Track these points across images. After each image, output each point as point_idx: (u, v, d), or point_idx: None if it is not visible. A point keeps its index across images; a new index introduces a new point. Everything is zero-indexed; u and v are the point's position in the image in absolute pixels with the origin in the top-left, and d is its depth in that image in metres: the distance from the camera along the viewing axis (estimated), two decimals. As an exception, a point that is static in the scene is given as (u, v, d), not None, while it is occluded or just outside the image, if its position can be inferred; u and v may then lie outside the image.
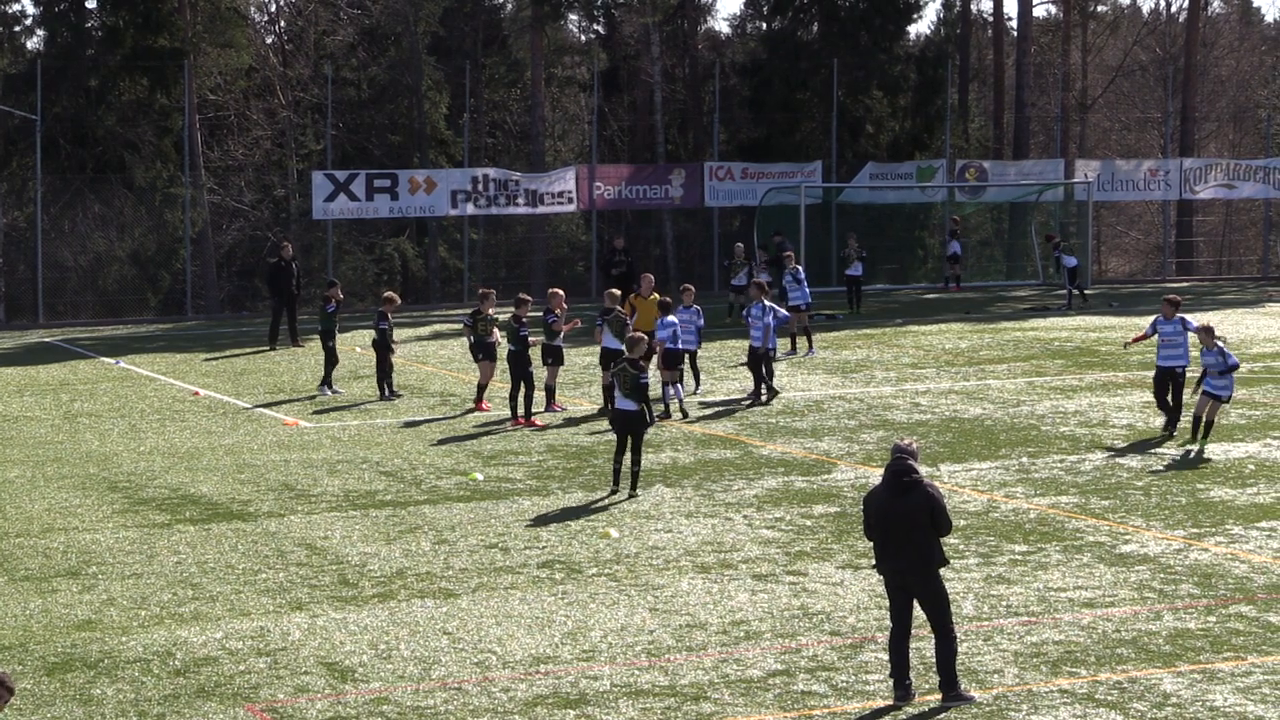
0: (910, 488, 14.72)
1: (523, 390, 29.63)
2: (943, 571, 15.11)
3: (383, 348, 32.41)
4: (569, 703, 14.93)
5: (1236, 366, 26.66)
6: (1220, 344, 26.67)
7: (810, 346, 38.34)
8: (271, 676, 15.71)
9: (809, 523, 21.81)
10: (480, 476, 24.91)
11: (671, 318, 30.39)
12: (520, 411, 29.61)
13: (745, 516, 22.17)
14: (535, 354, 30.19)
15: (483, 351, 30.94)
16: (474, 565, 19.76)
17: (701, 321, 32.23)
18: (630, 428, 23.56)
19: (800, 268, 38.73)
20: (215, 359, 39.43)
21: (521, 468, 25.65)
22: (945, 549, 20.13)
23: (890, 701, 14.87)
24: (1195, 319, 28.70)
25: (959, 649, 15.13)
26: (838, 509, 22.56)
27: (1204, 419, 26.44)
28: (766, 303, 31.65)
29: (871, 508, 14.98)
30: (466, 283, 54.70)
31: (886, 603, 17.69)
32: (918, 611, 15.03)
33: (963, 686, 14.88)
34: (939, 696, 14.87)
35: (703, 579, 19.04)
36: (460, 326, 31.15)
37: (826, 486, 24.08)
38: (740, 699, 15.00)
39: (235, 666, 16.00)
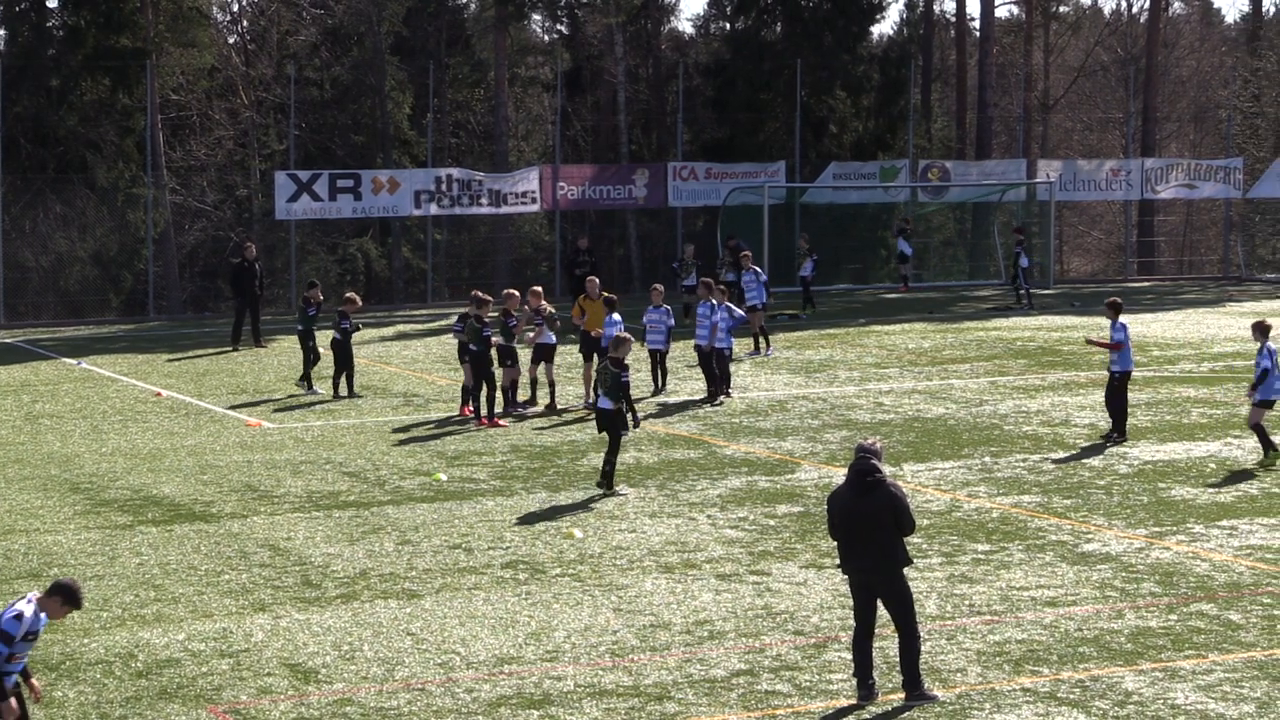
0: (873, 487, 14.73)
1: (485, 390, 29.61)
2: (906, 571, 15.15)
3: (342, 349, 32.38)
4: (533, 703, 14.93)
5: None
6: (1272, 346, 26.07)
7: (768, 345, 38.32)
8: (234, 678, 15.67)
9: (772, 522, 21.84)
10: (444, 477, 24.88)
11: (616, 315, 30.52)
12: (484, 412, 29.58)
13: (709, 516, 22.19)
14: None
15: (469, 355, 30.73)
16: (438, 566, 19.74)
17: (671, 321, 32.30)
18: (606, 426, 23.59)
19: (758, 269, 38.69)
20: (178, 360, 39.30)
21: (485, 468, 25.63)
22: (908, 548, 20.19)
23: (854, 701, 14.90)
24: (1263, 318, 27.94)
25: (922, 648, 15.16)
26: (801, 509, 22.59)
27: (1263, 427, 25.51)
28: (714, 301, 31.69)
29: (835, 507, 14.99)
30: (430, 283, 54.64)
31: (850, 602, 17.71)
32: (881, 611, 15.06)
33: (926, 685, 14.92)
34: (903, 696, 14.91)
35: (666, 579, 19.05)
36: (453, 325, 31.06)
37: (790, 486, 24.12)
38: (704, 699, 15.01)
39: (198, 668, 15.96)
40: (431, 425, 29.58)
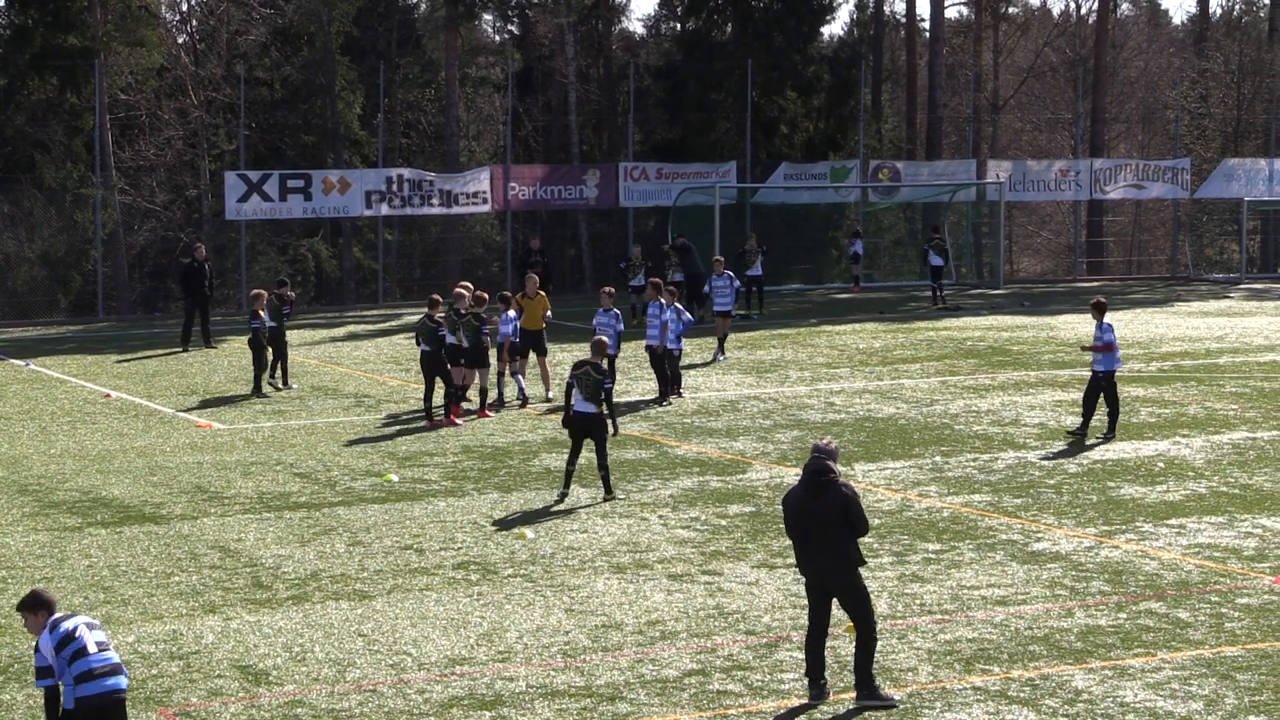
0: (826, 487, 14.74)
1: (440, 389, 29.65)
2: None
3: (257, 345, 32.74)
4: (484, 704, 14.92)
5: None
6: None
7: (723, 353, 37.94)
8: (184, 680, 15.61)
9: (724, 522, 21.87)
10: (395, 478, 24.84)
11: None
12: (438, 412, 29.58)
13: (661, 516, 22.21)
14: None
15: (462, 355, 30.53)
16: (389, 567, 19.70)
17: (620, 326, 32.00)
18: (589, 431, 23.20)
19: (731, 273, 38.41)
20: (127, 361, 39.12)
21: (437, 469, 25.59)
22: (860, 547, 20.25)
23: (805, 700, 14.94)
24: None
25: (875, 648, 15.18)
26: (753, 509, 22.63)
27: None
28: (663, 301, 31.70)
29: (789, 508, 15.01)
30: (381, 284, 54.52)
31: (802, 602, 17.76)
32: (836, 611, 15.08)
33: (878, 685, 14.91)
34: (853, 695, 14.93)
35: (618, 579, 19.06)
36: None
37: (742, 486, 24.16)
38: (656, 699, 15.03)
39: (148, 670, 15.89)
40: (383, 426, 29.52)
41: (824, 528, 14.74)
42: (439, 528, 21.67)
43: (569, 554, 20.25)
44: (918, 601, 18.00)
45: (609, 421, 23.47)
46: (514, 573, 19.37)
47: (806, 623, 15.16)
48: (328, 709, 14.82)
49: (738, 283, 38.61)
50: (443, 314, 30.02)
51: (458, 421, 29.32)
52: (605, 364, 23.90)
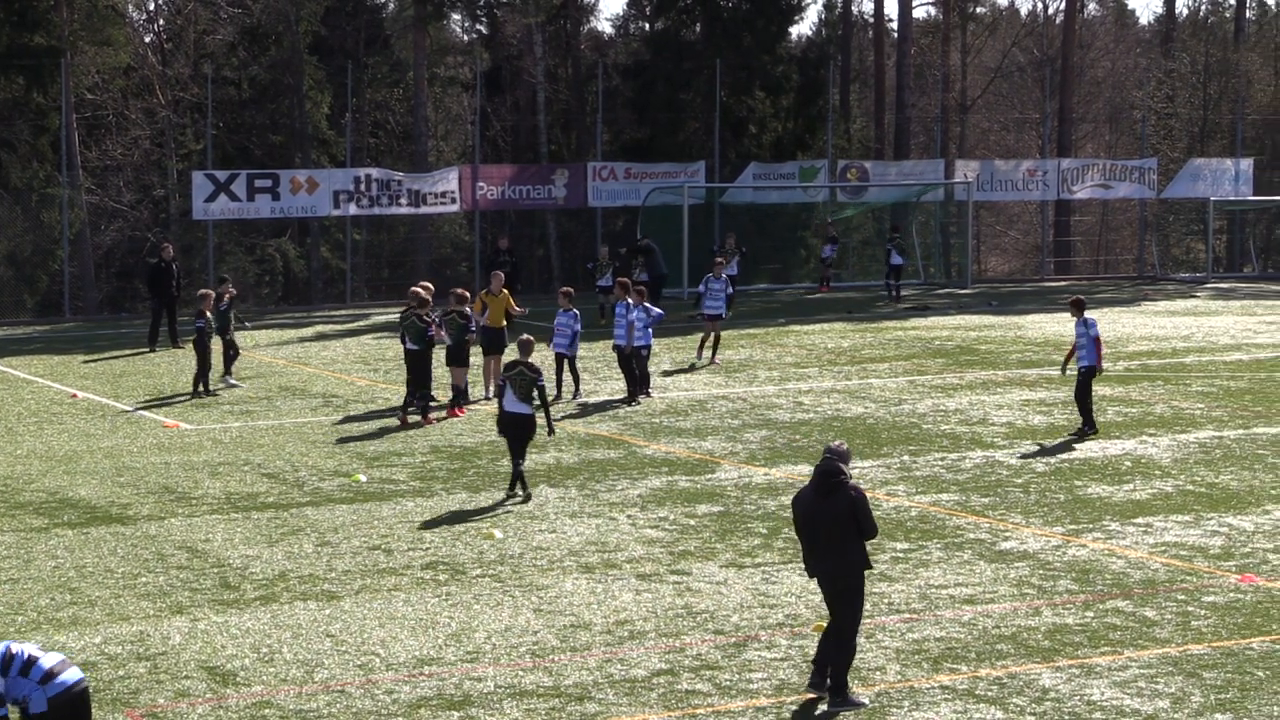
0: (836, 489, 14.67)
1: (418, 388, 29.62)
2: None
3: (202, 347, 32.83)
4: (453, 704, 14.90)
5: None
6: None
7: (701, 355, 37.32)
8: (151, 681, 15.57)
9: (693, 522, 21.88)
10: (364, 478, 24.80)
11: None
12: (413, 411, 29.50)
13: (629, 516, 22.21)
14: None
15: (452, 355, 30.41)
16: (357, 567, 19.67)
17: (579, 326, 31.73)
18: (520, 431, 23.32)
19: (726, 277, 37.70)
20: (94, 361, 38.98)
21: (405, 469, 25.56)
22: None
23: (774, 699, 14.94)
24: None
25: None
26: (721, 508, 22.64)
27: None
28: (630, 301, 31.66)
29: (799, 508, 14.95)
30: (349, 283, 54.43)
31: (771, 601, 17.82)
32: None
33: (851, 690, 14.84)
34: (810, 695, 14.95)
35: (587, 579, 19.06)
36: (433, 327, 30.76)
37: (710, 486, 24.17)
38: (624, 699, 15.03)
39: (114, 671, 15.84)
40: (346, 424, 29.46)
41: (832, 529, 14.68)
42: (407, 528, 21.65)
43: (537, 554, 20.24)
44: (886, 600, 18.03)
45: (544, 422, 23.48)
46: (482, 573, 19.36)
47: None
48: (295, 710, 14.79)
49: (730, 289, 37.82)
50: (439, 313, 30.10)
51: (432, 420, 29.30)
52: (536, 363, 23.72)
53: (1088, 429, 27.67)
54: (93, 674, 15.76)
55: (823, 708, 14.73)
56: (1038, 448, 26.86)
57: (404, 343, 29.76)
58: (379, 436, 28.43)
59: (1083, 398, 27.80)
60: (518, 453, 23.45)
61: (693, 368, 36.48)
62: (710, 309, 36.58)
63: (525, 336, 24.32)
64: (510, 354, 27.91)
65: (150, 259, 46.80)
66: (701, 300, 36.95)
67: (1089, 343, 27.92)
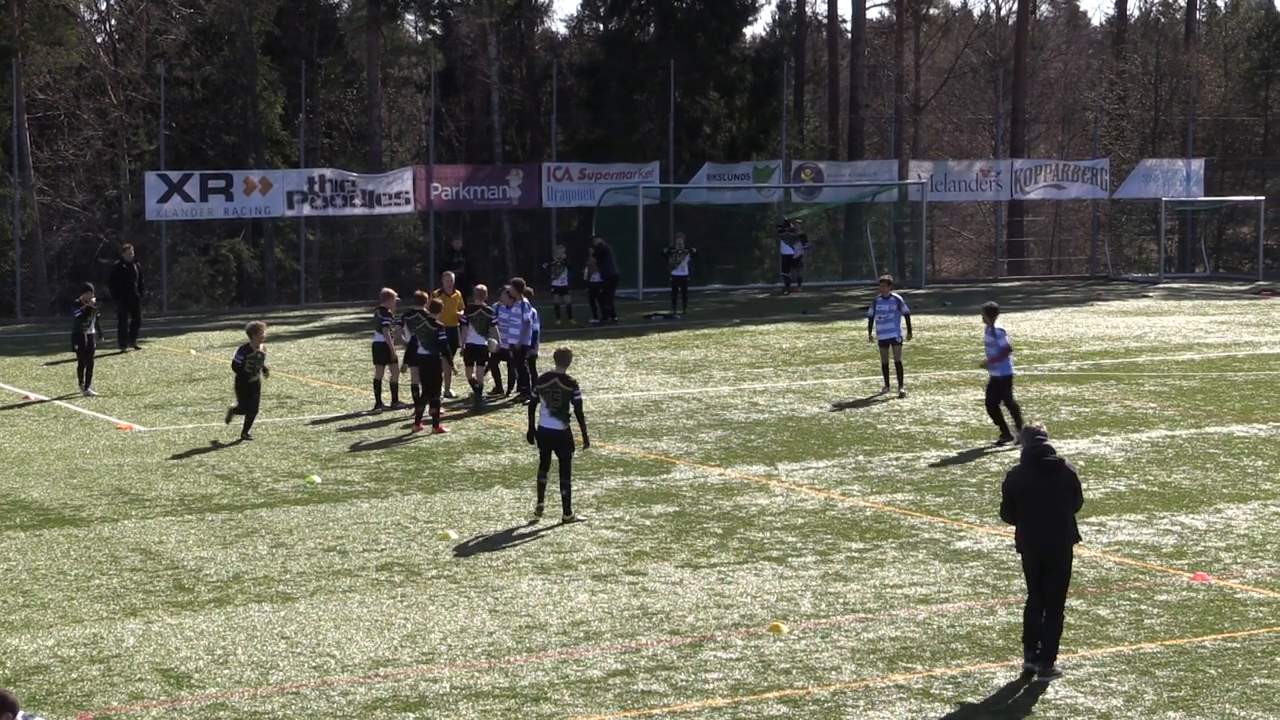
0: (1056, 467, 15.66)
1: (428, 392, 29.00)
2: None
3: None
4: (408, 705, 14.88)
5: None
6: None
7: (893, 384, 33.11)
8: (105, 684, 15.50)
9: (648, 522, 21.89)
10: (318, 479, 24.73)
11: (528, 302, 31.14)
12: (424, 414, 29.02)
13: (584, 517, 22.20)
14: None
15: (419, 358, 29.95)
16: (312, 568, 19.62)
17: (528, 316, 31.52)
18: (556, 448, 22.18)
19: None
20: (46, 363, 38.77)
21: (360, 470, 25.50)
22: (785, 546, 20.35)
23: (729, 699, 14.96)
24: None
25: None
26: (676, 508, 22.66)
27: None
28: (525, 301, 31.54)
29: (1016, 488, 15.74)
30: (304, 284, 54.27)
31: (726, 602, 17.85)
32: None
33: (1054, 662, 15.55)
34: (777, 694, 14.99)
35: (542, 580, 19.05)
36: (395, 329, 30.35)
37: (665, 486, 24.19)
38: (580, 699, 15.03)
39: (67, 674, 15.77)
40: (304, 426, 29.40)
41: (1053, 504, 15.60)
42: (362, 529, 21.60)
43: (493, 555, 20.22)
44: (841, 600, 18.08)
45: (580, 435, 22.52)
46: (438, 574, 19.33)
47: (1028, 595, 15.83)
48: (250, 712, 14.75)
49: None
50: (403, 313, 29.76)
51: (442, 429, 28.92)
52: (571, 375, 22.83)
53: (1005, 440, 27.17)
54: (45, 677, 15.69)
55: (773, 701, 14.77)
56: (992, 448, 26.94)
57: (414, 348, 28.91)
58: (333, 437, 28.35)
59: (994, 408, 27.29)
60: (562, 471, 22.10)
61: (902, 395, 32.34)
62: (884, 333, 32.44)
63: (562, 347, 23.01)
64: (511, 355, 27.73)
65: (111, 260, 46.57)
66: (872, 324, 32.93)
67: (997, 353, 27.32)
